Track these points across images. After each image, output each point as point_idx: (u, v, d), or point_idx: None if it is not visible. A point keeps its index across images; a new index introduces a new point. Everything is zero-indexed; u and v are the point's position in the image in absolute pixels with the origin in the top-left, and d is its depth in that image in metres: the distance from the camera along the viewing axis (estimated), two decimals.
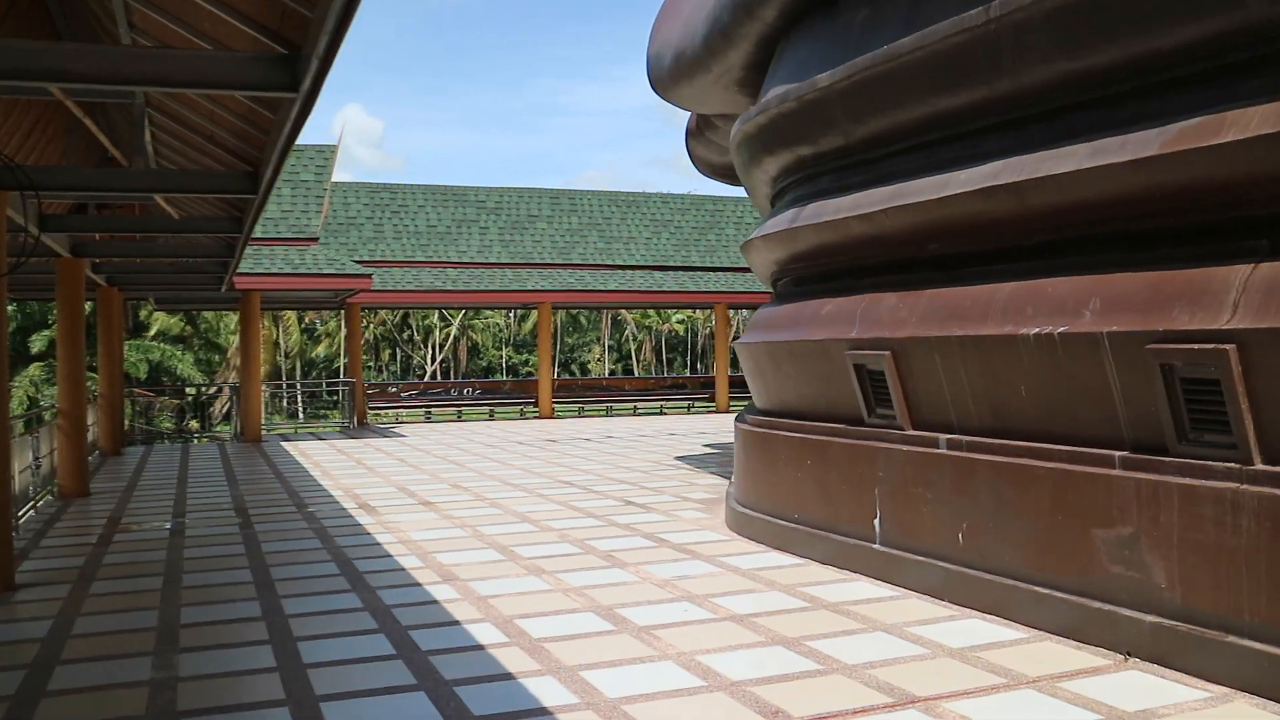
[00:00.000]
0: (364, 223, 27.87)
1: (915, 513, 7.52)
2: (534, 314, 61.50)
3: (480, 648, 6.21)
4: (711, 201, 32.06)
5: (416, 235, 28.12)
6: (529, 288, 27.35)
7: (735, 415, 11.40)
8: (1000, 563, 6.75)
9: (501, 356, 66.55)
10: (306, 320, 54.62)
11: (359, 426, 25.84)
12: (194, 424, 29.70)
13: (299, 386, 48.27)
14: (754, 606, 7.07)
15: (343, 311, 44.89)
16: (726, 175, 17.44)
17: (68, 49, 5.96)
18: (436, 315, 62.19)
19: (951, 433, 7.32)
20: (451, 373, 62.26)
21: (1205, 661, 5.39)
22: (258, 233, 18.39)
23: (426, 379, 58.02)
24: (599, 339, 69.18)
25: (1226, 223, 5.73)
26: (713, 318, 66.42)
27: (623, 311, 63.08)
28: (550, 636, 6.40)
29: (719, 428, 23.63)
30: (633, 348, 70.39)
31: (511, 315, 64.73)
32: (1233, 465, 5.33)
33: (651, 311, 64.07)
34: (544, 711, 5.13)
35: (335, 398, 33.61)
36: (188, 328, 43.73)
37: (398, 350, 63.17)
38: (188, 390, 35.61)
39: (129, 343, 35.15)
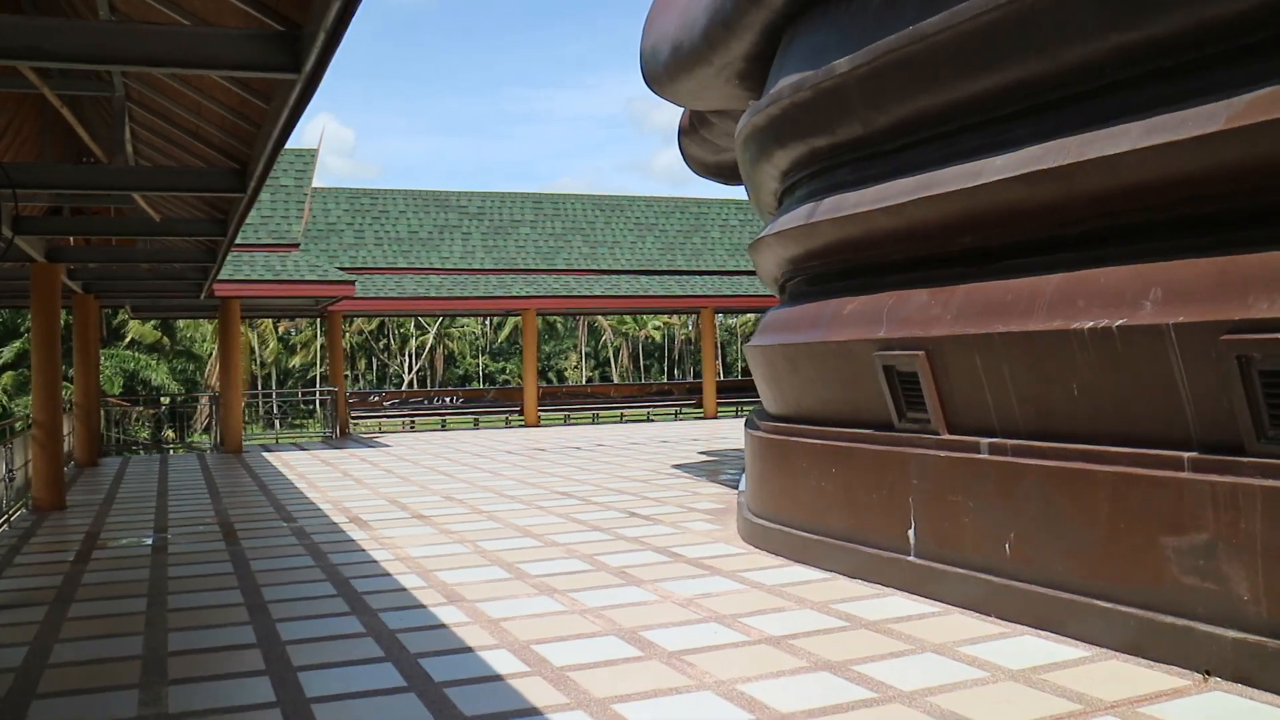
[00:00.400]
0: (344, 229, 27.29)
1: (954, 522, 7.06)
2: (511, 321, 61.02)
3: (499, 678, 5.70)
4: (696, 204, 31.62)
5: (398, 241, 27.56)
6: (513, 293, 26.81)
7: (744, 421, 10.95)
8: (1052, 574, 6.30)
9: (478, 364, 65.95)
10: (281, 329, 53.85)
11: (341, 436, 25.22)
12: (170, 433, 28.97)
13: (274, 396, 47.50)
14: (787, 627, 6.59)
15: (320, 320, 44.25)
16: (720, 174, 17.01)
17: (42, 23, 5.42)
18: (413, 323, 61.58)
19: (993, 436, 6.87)
20: (429, 381, 61.63)
21: None
22: (238, 239, 17.80)
23: (404, 388, 57.36)
24: (575, 346, 68.69)
25: None
26: (689, 323, 66.54)
27: (599, 318, 62.60)
28: (573, 664, 5.89)
29: (711, 434, 23.19)
30: (610, 354, 69.93)
31: (487, 323, 64.14)
32: None
33: (629, 317, 63.63)
34: None
35: (311, 406, 32.94)
36: (164, 338, 42.91)
37: (374, 359, 62.45)
38: (162, 400, 34.83)
39: (103, 352, 34.38)
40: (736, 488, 13.24)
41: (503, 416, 29.52)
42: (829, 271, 9.18)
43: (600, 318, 62.59)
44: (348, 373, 58.28)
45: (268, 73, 5.08)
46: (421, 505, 12.56)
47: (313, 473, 16.90)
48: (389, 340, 63.06)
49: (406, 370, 62.43)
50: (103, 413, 22.38)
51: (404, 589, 7.95)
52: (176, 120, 8.94)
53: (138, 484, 16.08)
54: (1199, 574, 5.42)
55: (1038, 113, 6.94)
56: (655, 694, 5.36)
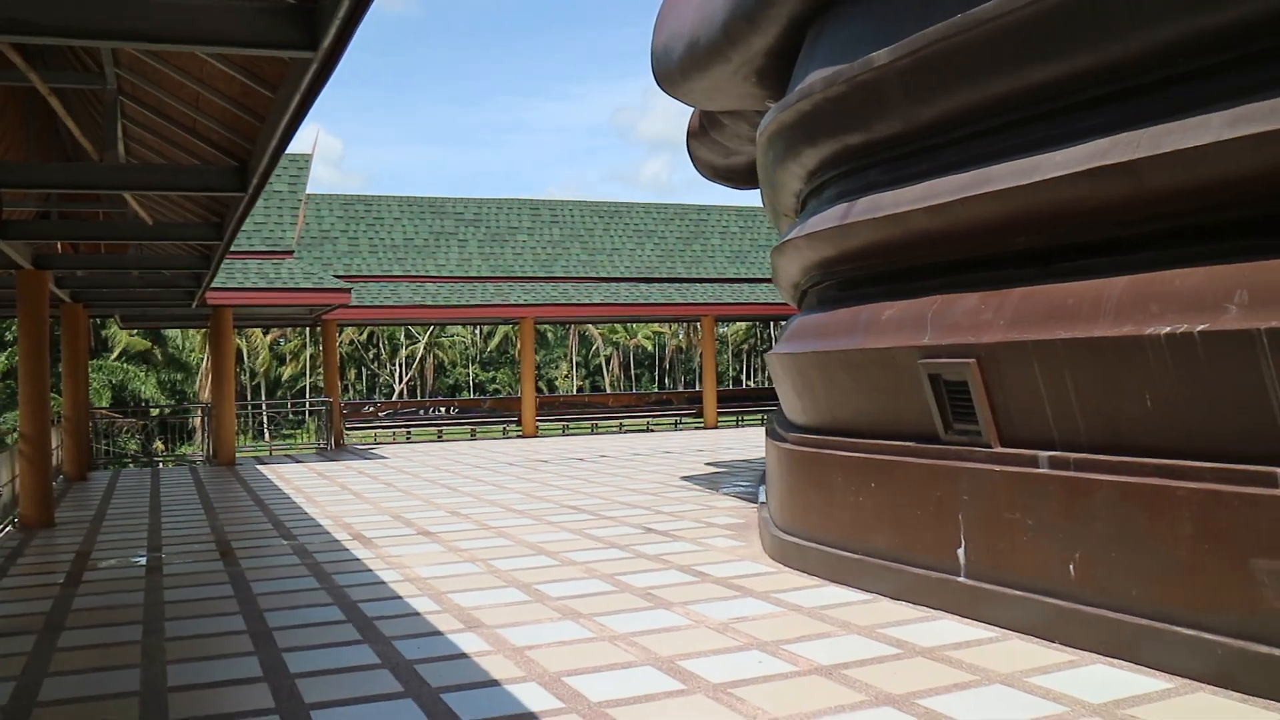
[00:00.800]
0: (338, 236, 26.75)
1: (1010, 541, 6.59)
2: (501, 330, 60.45)
3: (533, 717, 5.20)
4: (696, 211, 31.16)
5: (393, 249, 27.04)
6: (511, 301, 26.31)
7: (766, 431, 10.47)
8: (1125, 599, 5.83)
9: (469, 374, 65.42)
10: (271, 338, 53.27)
11: (337, 448, 24.68)
12: (159, 445, 28.37)
13: (264, 407, 46.88)
14: (836, 655, 6.11)
15: (309, 329, 43.69)
16: (730, 178, 16.55)
17: None
18: (403, 332, 61.07)
19: (1053, 449, 6.40)
20: (419, 391, 61.10)
21: None
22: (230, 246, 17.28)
23: (395, 398, 56.78)
24: (566, 355, 68.18)
25: None
26: (679, 331, 66.03)
27: (589, 326, 62.06)
28: (612, 699, 5.40)
29: (714, 445, 22.72)
30: (602, 363, 69.45)
31: (477, 332, 63.62)
32: None
33: (619, 326, 63.10)
34: None
35: (300, 417, 32.39)
36: (154, 348, 42.28)
37: (364, 369, 61.87)
38: (152, 411, 34.21)
39: (91, 363, 33.76)
40: (754, 500, 12.76)
41: (499, 427, 29.01)
42: (862, 275, 8.72)
43: (591, 326, 62.05)
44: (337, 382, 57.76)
45: (281, 50, 4.59)
46: (426, 521, 12.04)
47: (309, 486, 16.36)
48: (379, 350, 62.53)
49: (397, 380, 61.88)
50: (91, 425, 21.81)
51: (417, 613, 7.44)
52: (172, 115, 8.44)
53: (129, 499, 15.52)
54: None
55: (1103, 103, 6.49)
56: None
